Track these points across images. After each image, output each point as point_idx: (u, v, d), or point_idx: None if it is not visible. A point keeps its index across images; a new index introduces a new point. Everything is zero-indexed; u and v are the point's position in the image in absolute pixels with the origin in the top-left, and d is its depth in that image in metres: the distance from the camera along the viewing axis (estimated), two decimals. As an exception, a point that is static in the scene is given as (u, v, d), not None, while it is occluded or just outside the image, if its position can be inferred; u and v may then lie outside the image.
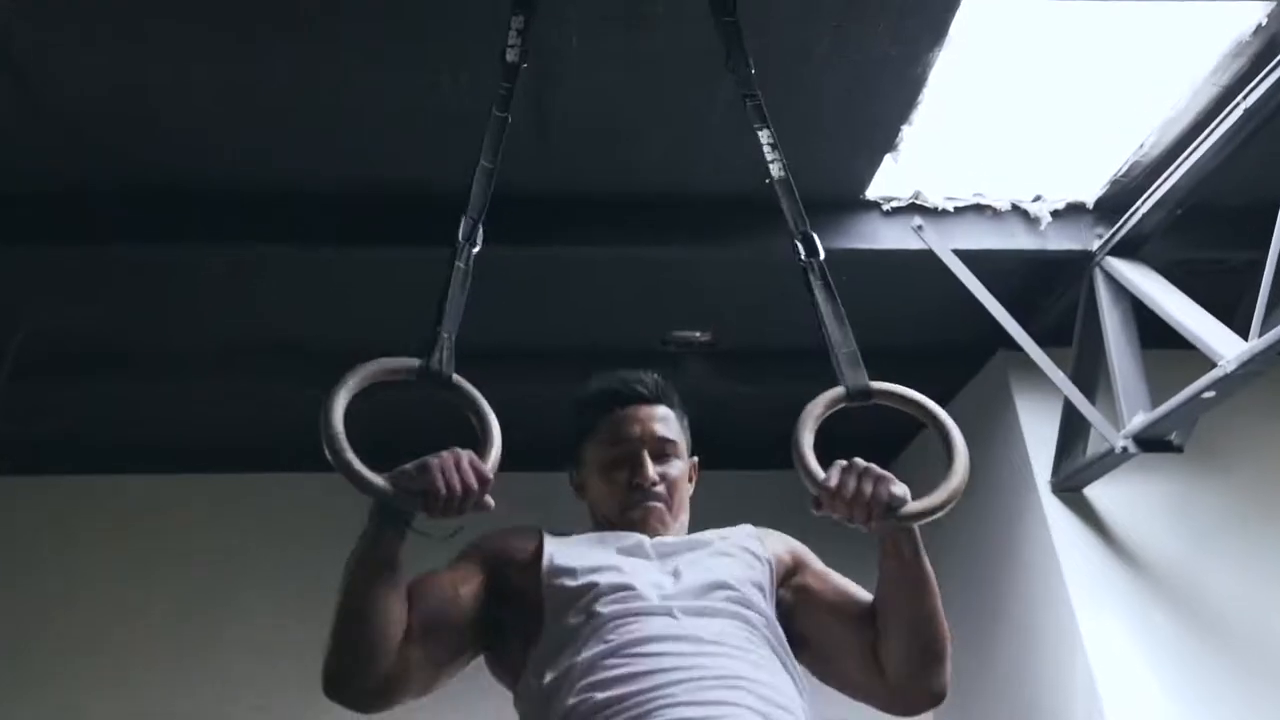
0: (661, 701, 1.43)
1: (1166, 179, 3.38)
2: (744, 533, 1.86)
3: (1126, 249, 3.66)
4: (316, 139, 3.32)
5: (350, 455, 1.49)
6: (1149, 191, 3.48)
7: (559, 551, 1.68)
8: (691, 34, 2.90)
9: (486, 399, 1.74)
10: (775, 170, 2.13)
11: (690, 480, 1.84)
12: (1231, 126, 3.06)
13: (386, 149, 3.37)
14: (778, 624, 1.70)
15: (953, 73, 3.15)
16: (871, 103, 3.26)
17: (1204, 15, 2.97)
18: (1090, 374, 3.90)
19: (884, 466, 1.71)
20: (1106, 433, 3.66)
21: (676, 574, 1.66)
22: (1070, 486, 4.12)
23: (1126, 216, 3.59)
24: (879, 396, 1.80)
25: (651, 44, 2.98)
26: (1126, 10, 2.95)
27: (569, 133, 3.31)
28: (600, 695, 1.45)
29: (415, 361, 1.68)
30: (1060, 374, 3.80)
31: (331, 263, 3.87)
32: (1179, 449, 3.64)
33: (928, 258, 3.66)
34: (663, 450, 1.77)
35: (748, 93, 2.25)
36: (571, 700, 1.47)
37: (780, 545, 1.87)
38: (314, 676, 4.93)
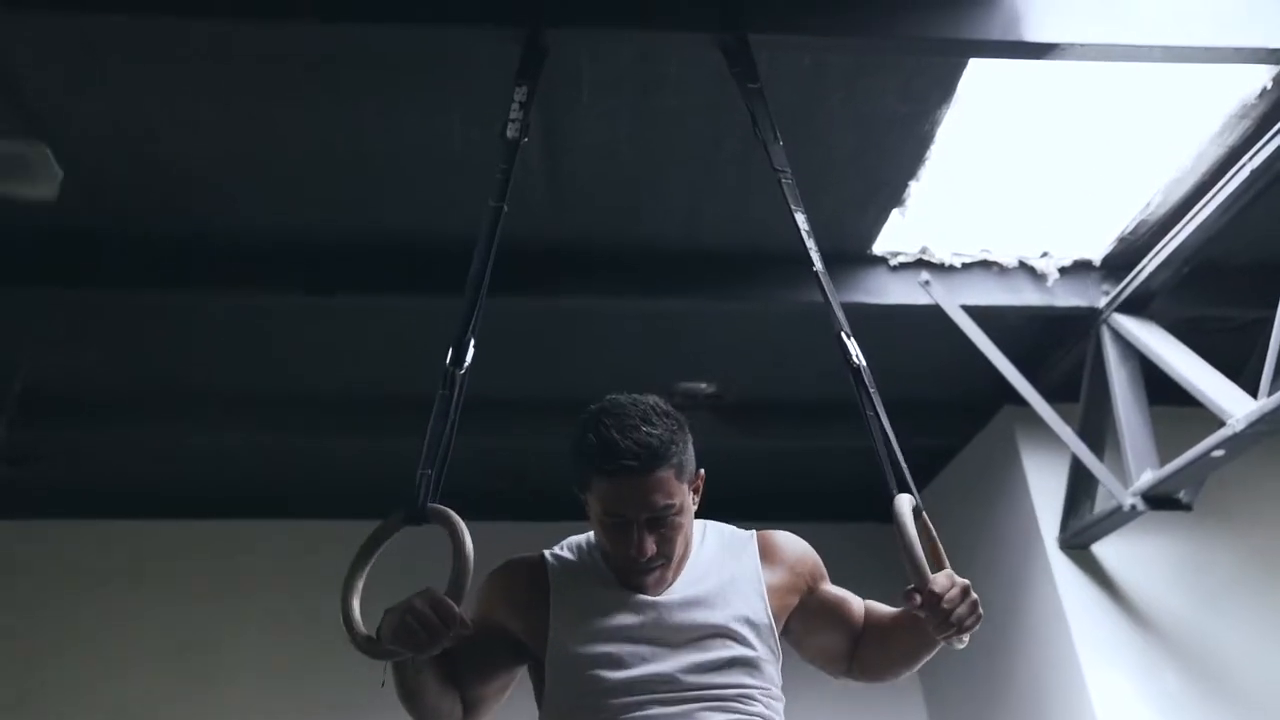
0: None
1: (1173, 237, 3.40)
2: (750, 574, 1.77)
3: (1134, 306, 3.67)
4: (324, 188, 3.35)
5: (370, 645, 1.59)
6: (1156, 249, 3.49)
7: (563, 627, 1.68)
8: (702, 92, 2.95)
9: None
10: (816, 260, 2.07)
11: (695, 495, 1.72)
12: (1238, 187, 3.09)
13: (394, 198, 3.40)
14: (773, 654, 1.72)
15: (961, 130, 3.18)
16: (880, 159, 3.28)
17: (1210, 78, 3.01)
18: (1097, 430, 3.88)
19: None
20: (1115, 490, 3.64)
21: (676, 648, 1.64)
22: (1078, 543, 4.09)
23: (1134, 274, 3.60)
24: (923, 519, 1.78)
25: (662, 102, 3.01)
26: (1134, 72, 2.99)
27: (580, 187, 3.34)
28: None
29: (400, 518, 1.70)
30: (1068, 430, 3.79)
31: (337, 310, 3.88)
32: (1188, 507, 3.62)
33: (935, 312, 3.67)
34: (660, 517, 1.63)
35: (780, 169, 2.23)
36: None
37: (786, 576, 1.80)
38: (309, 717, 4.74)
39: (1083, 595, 4.04)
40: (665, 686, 1.60)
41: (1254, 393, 3.16)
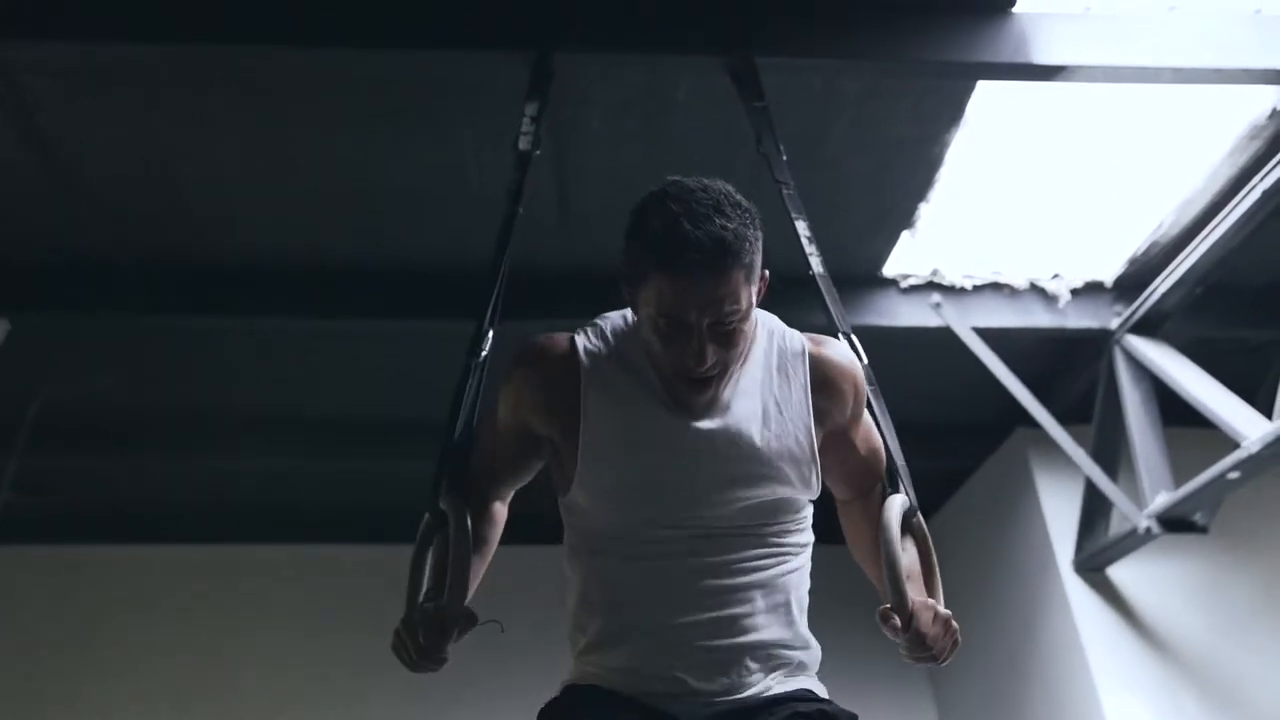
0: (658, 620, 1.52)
1: (1185, 258, 3.39)
2: (799, 400, 1.59)
3: (1146, 327, 3.65)
4: (337, 215, 3.38)
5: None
6: (1168, 270, 3.48)
7: (596, 441, 1.54)
8: (711, 116, 2.96)
9: None
10: (816, 265, 2.00)
11: (759, 298, 1.52)
12: (1250, 208, 3.08)
13: (407, 225, 3.42)
14: (811, 488, 1.61)
15: (970, 152, 3.19)
16: (890, 181, 3.29)
17: (1220, 99, 3.01)
18: (1111, 452, 3.86)
19: None
20: (1129, 512, 3.62)
21: (716, 478, 1.53)
22: (1093, 566, 4.05)
23: (1146, 295, 3.59)
24: (917, 523, 1.71)
25: (672, 125, 3.03)
26: (1144, 93, 2.99)
27: (589, 210, 3.35)
28: (609, 599, 1.57)
29: (426, 519, 1.66)
30: (1080, 452, 3.77)
31: (350, 335, 3.91)
32: (1204, 529, 3.59)
33: (946, 335, 3.66)
34: (725, 324, 1.44)
35: (782, 180, 2.20)
36: (592, 586, 1.60)
37: (833, 405, 1.63)
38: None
39: (1099, 619, 4.00)
40: (702, 519, 1.53)
41: (1269, 414, 3.14)
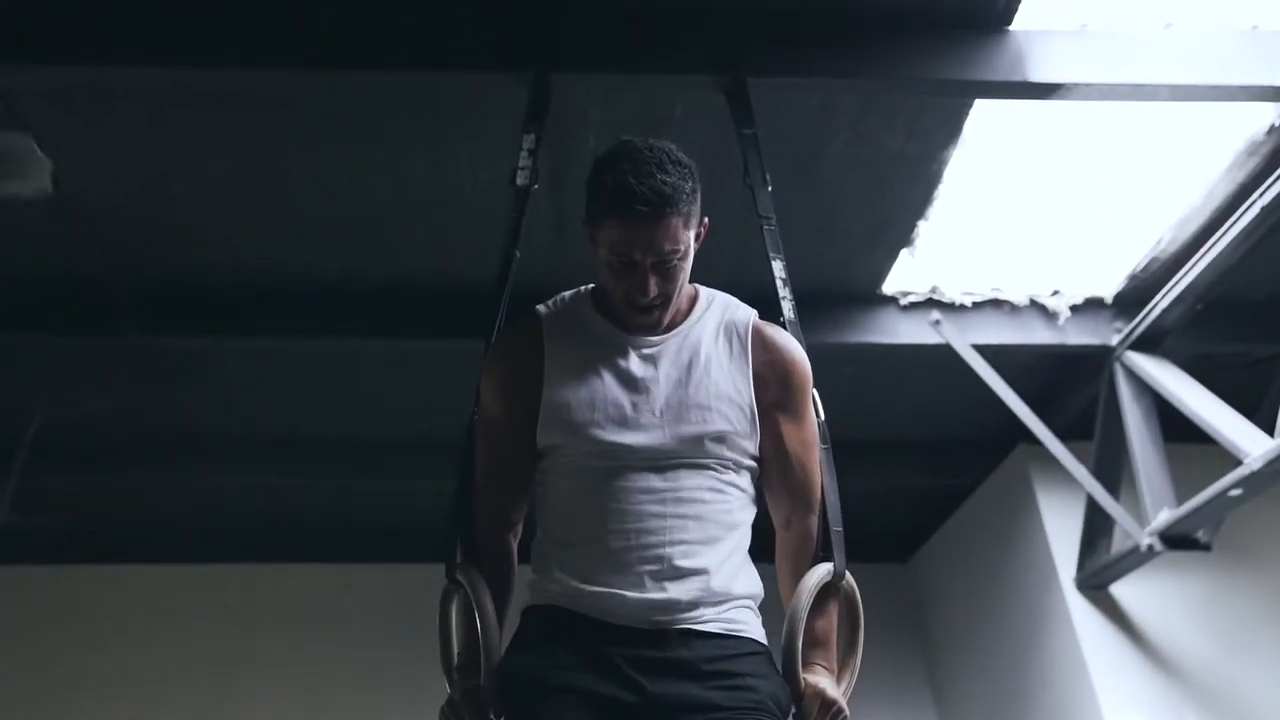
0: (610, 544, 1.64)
1: (1185, 274, 3.38)
2: (739, 355, 1.78)
3: (1147, 344, 3.64)
4: (335, 233, 3.38)
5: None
6: (1168, 287, 3.47)
7: (556, 380, 1.74)
8: (707, 136, 2.95)
9: None
10: (787, 310, 2.02)
11: (697, 242, 1.76)
12: (1249, 223, 3.07)
13: (405, 242, 3.42)
14: (751, 430, 1.75)
15: (968, 170, 3.18)
16: (887, 199, 3.29)
17: (1218, 116, 3.00)
18: (1113, 469, 3.84)
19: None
20: (1131, 530, 3.60)
21: (660, 415, 1.70)
22: (1096, 584, 4.03)
23: (1146, 311, 3.58)
24: (845, 586, 1.75)
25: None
26: (1142, 110, 2.99)
27: (584, 231, 3.34)
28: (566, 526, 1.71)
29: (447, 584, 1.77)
30: (1082, 469, 3.75)
31: (350, 354, 3.91)
32: (1206, 547, 3.57)
33: (946, 352, 3.65)
34: (666, 262, 1.68)
35: (764, 215, 2.23)
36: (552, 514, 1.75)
37: (768, 373, 1.78)
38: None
39: (1101, 637, 3.97)
40: (648, 449, 1.67)
41: (1270, 430, 3.13)
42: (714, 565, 1.64)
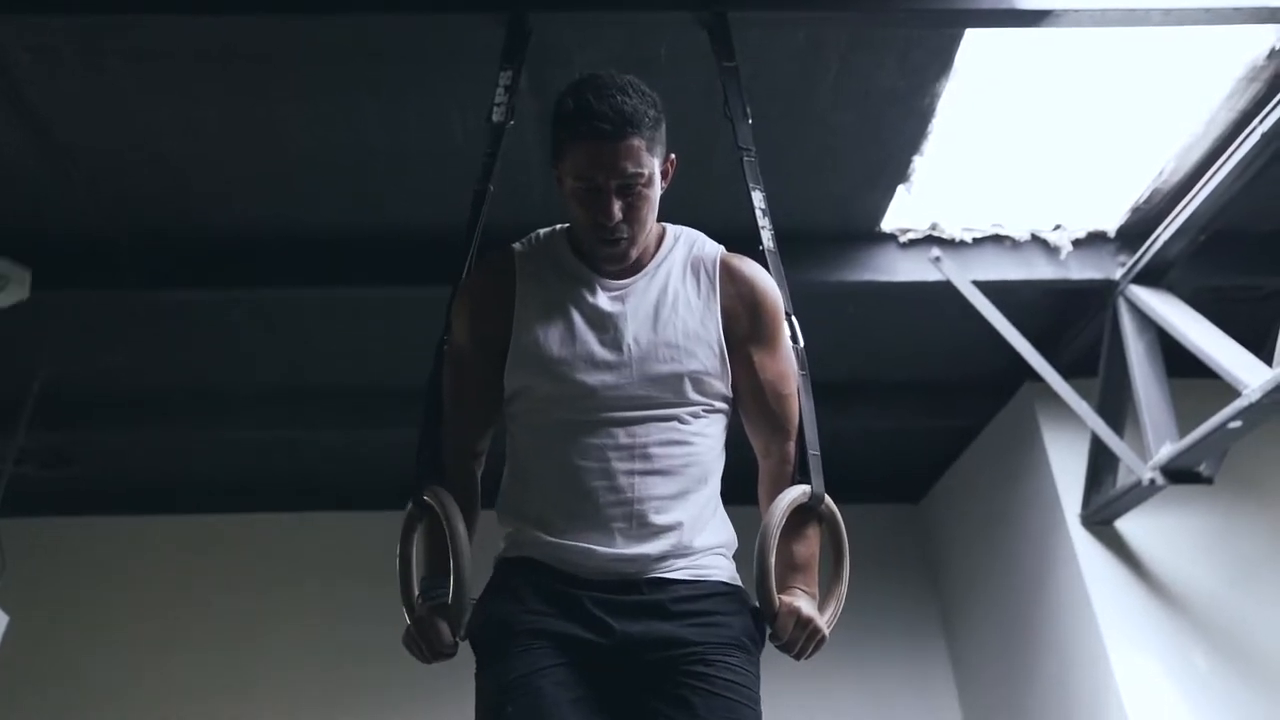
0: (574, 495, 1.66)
1: (1186, 205, 3.32)
2: (706, 291, 1.78)
3: (1150, 277, 3.59)
4: (330, 185, 3.39)
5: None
6: (1170, 218, 3.42)
7: (525, 318, 1.74)
8: (694, 77, 2.92)
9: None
10: (766, 239, 2.01)
11: (664, 180, 1.77)
12: (1250, 151, 3.01)
13: (399, 192, 3.42)
14: (721, 369, 1.75)
15: (963, 103, 3.13)
16: (881, 135, 3.25)
17: (1217, 41, 2.93)
18: (1117, 405, 3.81)
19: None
20: (1133, 465, 3.58)
21: (628, 354, 1.70)
22: (1100, 520, 4.03)
23: (1149, 244, 3.53)
24: (825, 511, 1.75)
25: (654, 86, 2.97)
26: (1138, 37, 2.92)
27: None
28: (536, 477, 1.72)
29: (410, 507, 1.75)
30: (1085, 406, 3.73)
31: (353, 304, 3.93)
32: (1209, 480, 3.55)
33: (947, 289, 3.61)
34: (629, 185, 1.67)
35: (744, 147, 2.21)
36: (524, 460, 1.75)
37: (737, 305, 1.79)
38: (342, 713, 4.89)
39: (1106, 572, 3.97)
40: (615, 393, 1.68)
41: (1272, 362, 3.09)
42: (685, 520, 1.66)
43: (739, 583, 1.71)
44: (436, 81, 2.99)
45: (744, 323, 1.78)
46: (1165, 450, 3.45)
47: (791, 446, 1.79)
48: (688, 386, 1.71)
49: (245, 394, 4.43)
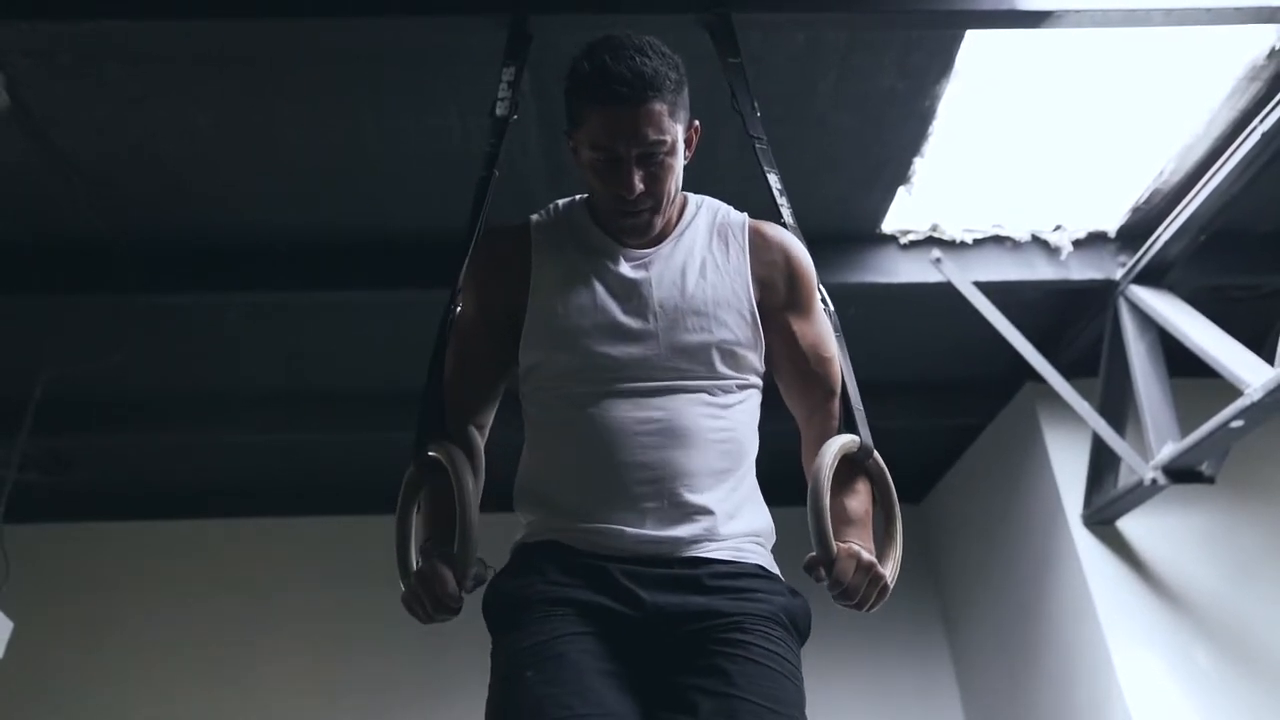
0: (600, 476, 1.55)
1: (1188, 205, 3.32)
2: (736, 261, 1.69)
3: (1151, 277, 3.59)
4: (328, 187, 3.38)
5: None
6: (1170, 218, 3.42)
7: (543, 291, 1.65)
8: (694, 75, 2.90)
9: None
10: (786, 216, 1.98)
11: (689, 149, 1.67)
12: (1250, 151, 3.01)
13: (398, 194, 3.42)
14: (754, 341, 1.66)
15: (964, 104, 3.13)
16: (881, 136, 3.25)
17: (1218, 41, 2.93)
18: (1118, 405, 3.81)
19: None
20: (1135, 464, 3.58)
21: (656, 325, 1.61)
22: (1102, 519, 4.03)
23: (1149, 244, 3.53)
24: (874, 467, 1.66)
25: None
26: (1139, 38, 2.92)
27: (577, 177, 3.31)
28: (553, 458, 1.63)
29: (411, 468, 1.66)
30: (1086, 406, 3.73)
31: (351, 307, 3.92)
32: (1210, 479, 3.55)
33: (948, 290, 3.62)
34: (651, 153, 1.57)
35: (755, 135, 2.18)
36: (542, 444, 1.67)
37: (770, 273, 1.70)
38: (344, 712, 4.88)
39: (1108, 571, 3.97)
40: (641, 366, 1.59)
41: (1273, 361, 3.09)
42: (718, 502, 1.55)
43: (777, 572, 1.60)
44: (435, 84, 2.99)
45: (781, 291, 1.70)
46: (1167, 450, 3.45)
47: (836, 404, 1.71)
48: (717, 359, 1.61)
49: (244, 397, 4.43)
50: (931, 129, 3.21)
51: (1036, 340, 3.78)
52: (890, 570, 1.57)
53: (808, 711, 1.51)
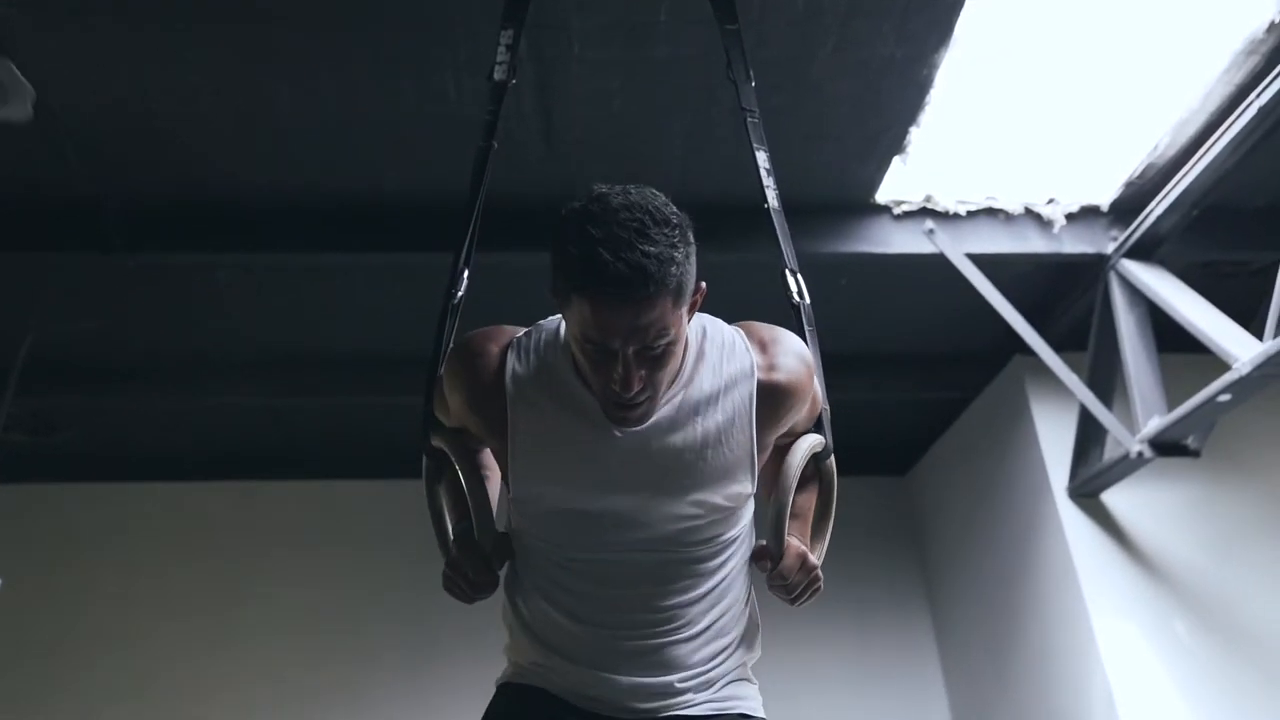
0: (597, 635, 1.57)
1: (1181, 180, 3.33)
2: (743, 416, 1.55)
3: (1142, 251, 3.61)
4: (322, 150, 3.35)
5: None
6: (1163, 193, 3.42)
7: (524, 455, 1.55)
8: (694, 41, 2.91)
9: None
10: (771, 199, 1.92)
11: (693, 312, 1.49)
12: (1246, 125, 3.01)
13: (394, 157, 3.39)
14: (749, 496, 1.62)
15: (961, 74, 3.12)
16: (878, 105, 3.23)
17: (1216, 13, 2.93)
18: (1106, 378, 3.84)
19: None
20: (1122, 437, 3.61)
21: (648, 493, 1.53)
22: (1087, 492, 4.06)
23: (1141, 218, 3.54)
24: (827, 467, 1.74)
25: (654, 51, 2.97)
26: (1137, 9, 2.91)
27: (574, 140, 3.31)
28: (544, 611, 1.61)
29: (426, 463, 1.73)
30: (1075, 378, 3.75)
31: (338, 270, 3.89)
32: (1195, 453, 3.58)
33: (940, 262, 3.63)
34: (651, 344, 1.39)
35: (747, 108, 2.13)
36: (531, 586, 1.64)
37: (778, 426, 1.63)
38: (325, 681, 4.94)
39: (1092, 544, 4.01)
40: (633, 541, 1.54)
41: (1262, 336, 3.11)
42: (709, 654, 1.59)
43: (761, 713, 1.64)
44: (430, 43, 2.95)
45: (785, 423, 1.64)
46: (1153, 423, 3.48)
47: None
48: (710, 529, 1.57)
49: (234, 360, 4.40)
50: (929, 98, 3.20)
51: (1027, 313, 3.79)
52: (817, 557, 1.68)
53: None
